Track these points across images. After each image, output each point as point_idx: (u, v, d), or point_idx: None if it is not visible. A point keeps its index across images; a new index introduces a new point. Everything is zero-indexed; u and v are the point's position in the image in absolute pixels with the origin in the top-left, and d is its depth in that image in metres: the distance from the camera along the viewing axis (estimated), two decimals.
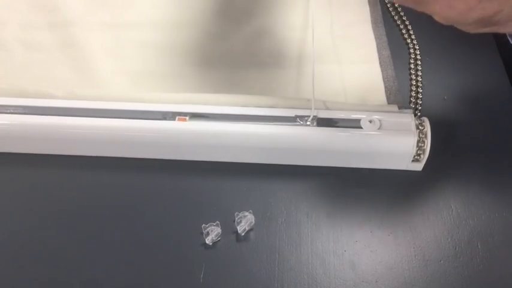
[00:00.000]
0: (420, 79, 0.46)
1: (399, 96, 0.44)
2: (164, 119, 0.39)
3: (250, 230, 0.37)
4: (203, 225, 0.37)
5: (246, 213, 0.37)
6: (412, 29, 0.49)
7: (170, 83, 0.44)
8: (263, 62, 0.46)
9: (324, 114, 0.40)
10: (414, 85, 0.45)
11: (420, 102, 0.44)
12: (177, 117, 0.39)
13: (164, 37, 0.47)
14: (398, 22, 0.50)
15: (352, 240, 0.37)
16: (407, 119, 0.39)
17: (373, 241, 0.37)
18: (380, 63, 0.46)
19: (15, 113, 0.39)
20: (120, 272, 0.35)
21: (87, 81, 0.44)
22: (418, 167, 0.40)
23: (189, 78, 0.45)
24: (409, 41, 0.48)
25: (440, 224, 0.38)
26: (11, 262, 0.36)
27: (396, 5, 0.51)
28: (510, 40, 0.45)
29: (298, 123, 0.39)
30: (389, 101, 0.44)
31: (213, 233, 0.36)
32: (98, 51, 0.46)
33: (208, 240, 0.36)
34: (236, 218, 0.37)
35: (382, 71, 0.46)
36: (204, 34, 0.48)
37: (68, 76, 0.44)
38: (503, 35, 0.49)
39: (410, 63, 0.47)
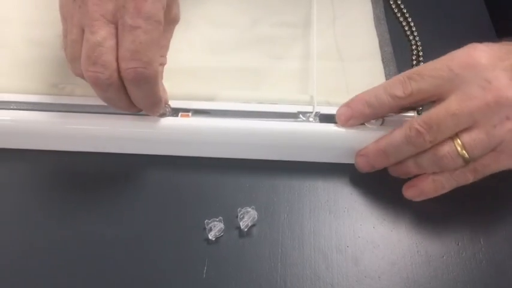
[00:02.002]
0: None
1: None
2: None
3: (253, 225, 0.37)
4: (206, 220, 0.37)
5: (249, 209, 0.37)
6: (414, 26, 0.49)
7: (173, 78, 0.44)
8: (266, 58, 0.46)
9: (326, 111, 0.40)
10: None
11: None
12: (180, 113, 0.40)
13: None
14: (401, 19, 0.50)
15: (354, 235, 0.37)
16: (410, 114, 0.39)
17: (376, 237, 0.37)
18: (382, 59, 0.46)
19: (18, 109, 0.39)
20: (123, 267, 0.36)
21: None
22: None
23: (190, 74, 0.45)
24: (411, 37, 0.48)
25: (443, 220, 0.38)
26: (12, 260, 0.36)
27: (399, 2, 0.51)
28: None
29: (300, 119, 0.40)
30: None
31: (215, 228, 0.36)
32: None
33: (211, 236, 0.36)
34: (239, 214, 0.37)
35: (384, 67, 0.45)
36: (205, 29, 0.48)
37: (70, 73, 0.44)
38: (507, 35, 0.49)
39: (412, 59, 0.47)
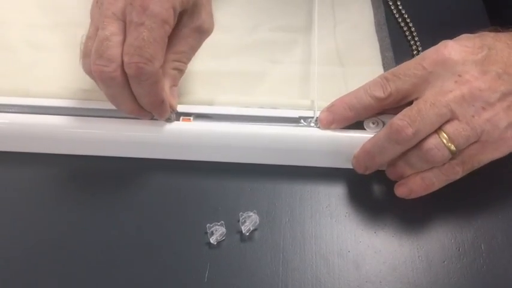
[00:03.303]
0: None
1: None
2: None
3: (255, 230, 0.37)
4: (208, 224, 0.37)
5: (251, 213, 0.37)
6: (415, 31, 0.49)
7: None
8: (266, 63, 0.46)
9: None
10: None
11: None
12: (181, 118, 0.40)
13: None
14: (402, 24, 0.50)
15: (356, 240, 0.37)
16: None
17: (377, 242, 0.37)
18: (383, 65, 0.46)
19: (20, 113, 0.39)
20: (124, 271, 0.36)
21: (92, 81, 0.44)
22: None
23: (192, 78, 0.45)
24: (412, 42, 0.49)
25: (444, 225, 0.38)
26: (10, 264, 0.36)
27: (400, 7, 0.51)
28: None
29: (301, 124, 0.40)
30: None
31: (217, 232, 0.36)
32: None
33: (212, 240, 0.36)
34: (240, 218, 0.37)
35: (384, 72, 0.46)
36: None
37: (73, 76, 0.44)
38: None
39: None
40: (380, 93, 0.37)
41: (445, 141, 0.34)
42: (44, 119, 0.39)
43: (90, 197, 0.39)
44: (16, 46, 0.45)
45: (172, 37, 0.35)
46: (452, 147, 0.34)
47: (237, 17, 0.50)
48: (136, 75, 0.34)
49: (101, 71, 0.34)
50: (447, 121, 0.35)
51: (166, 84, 0.37)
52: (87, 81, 0.43)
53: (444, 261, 0.37)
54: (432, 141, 0.35)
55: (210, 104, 0.41)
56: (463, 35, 0.38)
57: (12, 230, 0.37)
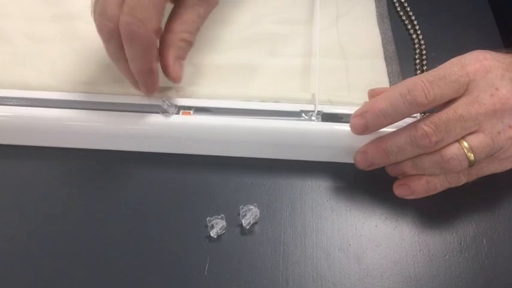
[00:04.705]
0: None
1: None
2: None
3: (255, 223, 0.37)
4: (208, 218, 0.37)
5: (251, 207, 0.37)
6: (417, 24, 0.49)
7: None
8: (267, 56, 0.46)
9: (328, 110, 0.40)
10: None
11: None
12: (181, 111, 0.39)
13: None
14: (404, 17, 0.50)
15: (357, 234, 0.37)
16: (413, 115, 0.39)
17: (378, 235, 0.37)
18: (385, 58, 0.46)
19: (18, 105, 0.39)
20: (124, 264, 0.35)
21: (91, 74, 0.44)
22: None
23: (192, 71, 0.45)
24: (414, 36, 0.48)
25: (445, 219, 0.38)
26: (9, 260, 0.36)
27: (402, 0, 0.51)
28: None
29: (303, 118, 0.39)
30: None
31: (217, 226, 0.36)
32: (102, 44, 0.46)
33: (213, 233, 0.36)
34: (241, 211, 0.37)
35: (387, 66, 0.45)
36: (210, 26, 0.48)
37: (71, 69, 0.44)
38: (509, 32, 0.49)
39: (415, 58, 0.47)
40: (422, 99, 0.34)
41: (466, 151, 0.34)
42: (43, 112, 0.39)
43: (89, 191, 0.39)
44: (15, 38, 0.45)
45: (179, 6, 0.35)
46: (472, 158, 0.34)
47: (238, 9, 0.49)
48: (127, 35, 0.33)
49: (100, 27, 0.34)
50: (472, 132, 0.34)
51: (171, 55, 0.37)
52: (86, 74, 0.44)
53: (445, 255, 0.37)
54: (454, 151, 0.34)
55: (210, 97, 0.41)
56: (485, 51, 0.36)
57: (10, 223, 0.37)
